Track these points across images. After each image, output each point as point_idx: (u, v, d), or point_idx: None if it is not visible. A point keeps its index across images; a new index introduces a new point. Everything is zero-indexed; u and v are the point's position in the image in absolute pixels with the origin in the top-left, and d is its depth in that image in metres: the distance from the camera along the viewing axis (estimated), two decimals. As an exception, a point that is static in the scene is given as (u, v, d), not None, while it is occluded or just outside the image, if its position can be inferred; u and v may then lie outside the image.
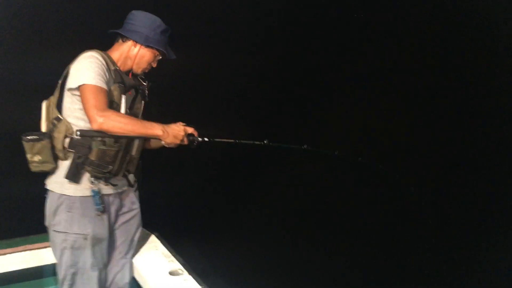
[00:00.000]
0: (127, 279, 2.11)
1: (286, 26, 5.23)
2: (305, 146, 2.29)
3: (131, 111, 1.97)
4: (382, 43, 5.39)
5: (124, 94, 1.88)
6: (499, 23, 4.88)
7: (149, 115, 2.03)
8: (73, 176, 1.78)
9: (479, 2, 4.85)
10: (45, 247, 2.31)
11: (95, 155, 1.77)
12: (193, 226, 4.41)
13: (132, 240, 2.13)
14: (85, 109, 1.71)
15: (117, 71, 1.88)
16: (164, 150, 2.15)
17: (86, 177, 1.82)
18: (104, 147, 1.77)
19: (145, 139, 2.04)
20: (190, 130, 1.90)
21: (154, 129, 1.80)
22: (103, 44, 1.97)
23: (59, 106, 1.83)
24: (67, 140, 1.79)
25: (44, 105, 1.87)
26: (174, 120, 1.91)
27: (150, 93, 2.08)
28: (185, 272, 2.06)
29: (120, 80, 1.86)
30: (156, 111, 2.15)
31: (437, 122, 5.41)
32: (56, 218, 1.84)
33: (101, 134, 1.74)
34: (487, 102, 5.14)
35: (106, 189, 1.89)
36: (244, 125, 4.83)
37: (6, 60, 3.08)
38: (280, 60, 5.17)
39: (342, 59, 5.49)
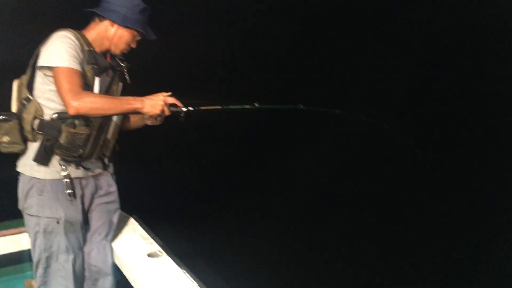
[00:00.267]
0: (109, 261, 2.09)
1: None
2: (301, 106, 2.15)
3: (107, 93, 1.91)
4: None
5: (98, 76, 1.82)
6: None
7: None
8: (42, 159, 1.75)
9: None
10: (21, 232, 2.28)
11: (65, 138, 1.73)
12: (172, 208, 4.40)
13: (111, 221, 2.11)
14: (60, 94, 1.67)
15: (91, 52, 1.81)
16: (143, 131, 2.11)
17: (56, 160, 1.79)
18: (74, 130, 1.72)
19: (124, 119, 2.00)
20: (171, 99, 1.81)
21: (132, 103, 1.74)
22: (78, 23, 1.90)
23: (29, 86, 1.77)
24: (36, 121, 1.75)
25: (15, 84, 1.82)
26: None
27: (131, 74, 2.01)
28: (164, 254, 2.06)
29: (94, 61, 1.80)
30: (137, 94, 2.10)
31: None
32: (28, 201, 1.82)
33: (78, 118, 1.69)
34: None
35: (77, 173, 1.86)
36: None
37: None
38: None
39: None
